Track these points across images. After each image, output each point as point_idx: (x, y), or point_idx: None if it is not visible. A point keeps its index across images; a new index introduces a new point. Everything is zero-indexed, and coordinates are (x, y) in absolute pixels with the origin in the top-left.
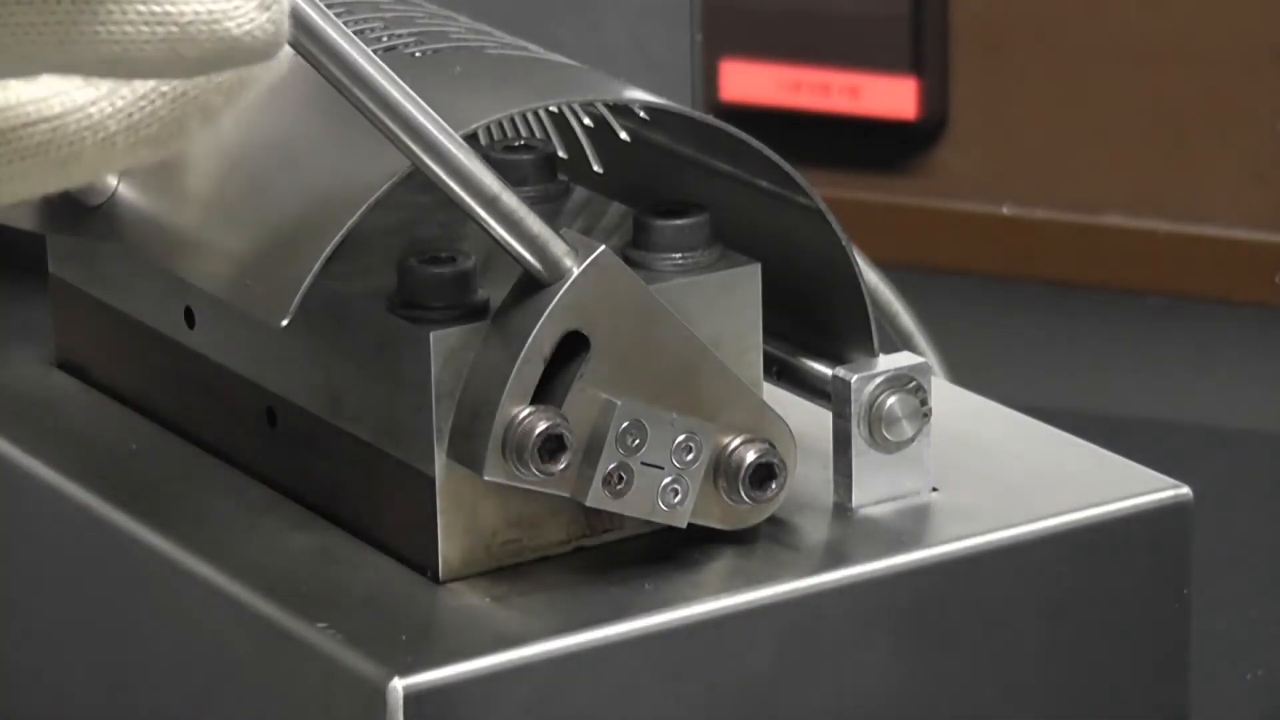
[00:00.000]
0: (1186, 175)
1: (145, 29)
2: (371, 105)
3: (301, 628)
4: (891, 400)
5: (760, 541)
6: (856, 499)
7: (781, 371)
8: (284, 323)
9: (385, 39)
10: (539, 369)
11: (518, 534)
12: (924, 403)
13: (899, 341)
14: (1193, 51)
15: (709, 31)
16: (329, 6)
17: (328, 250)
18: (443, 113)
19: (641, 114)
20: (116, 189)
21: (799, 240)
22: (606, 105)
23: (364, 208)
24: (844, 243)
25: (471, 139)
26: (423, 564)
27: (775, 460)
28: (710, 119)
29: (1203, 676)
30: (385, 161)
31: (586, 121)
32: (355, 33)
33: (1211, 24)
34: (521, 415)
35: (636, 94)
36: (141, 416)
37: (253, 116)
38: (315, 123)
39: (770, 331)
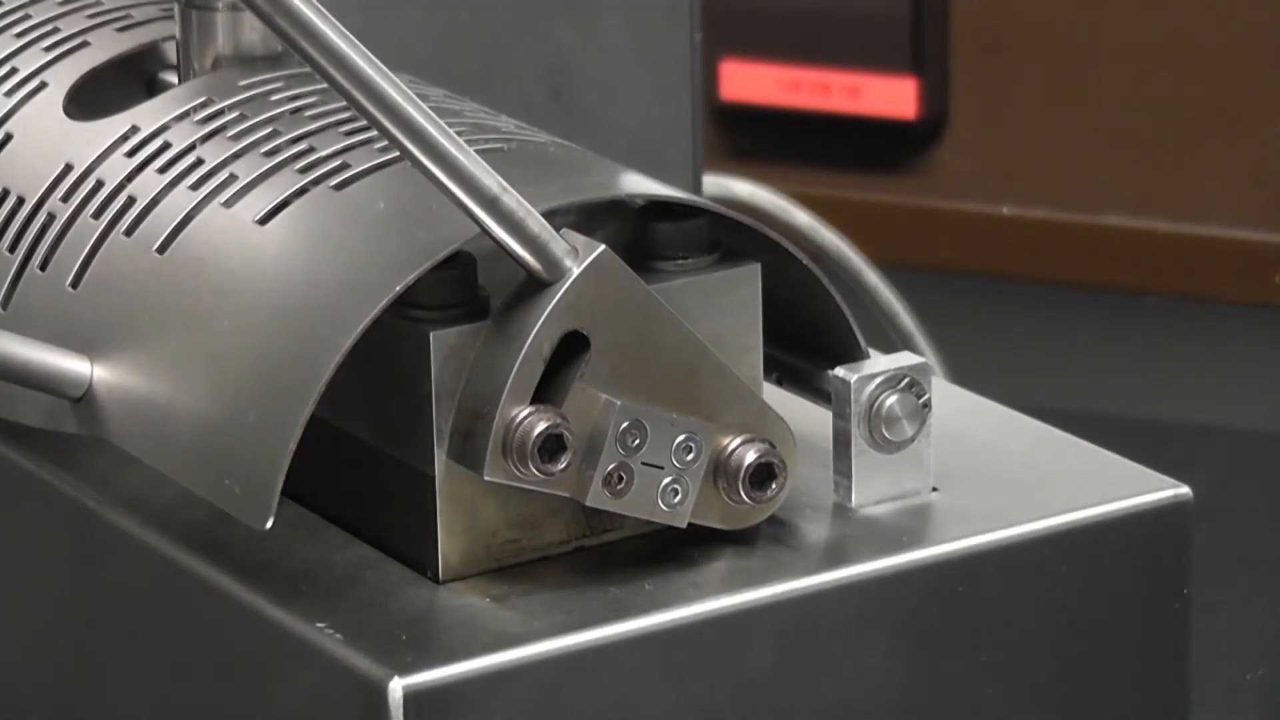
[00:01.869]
0: (1186, 175)
1: None
2: (371, 108)
3: (301, 628)
4: (891, 400)
5: (760, 541)
6: (856, 499)
7: (782, 375)
8: (268, 525)
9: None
10: (539, 369)
11: (518, 534)
12: (924, 402)
13: (899, 341)
14: (1193, 51)
15: (709, 31)
16: None
17: (291, 445)
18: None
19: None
20: (92, 381)
21: (780, 274)
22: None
23: (316, 392)
24: (808, 264)
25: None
26: (423, 564)
27: (775, 460)
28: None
29: (1203, 676)
30: (327, 347)
31: None
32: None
33: (1211, 24)
34: (521, 415)
35: (629, 188)
36: None
37: (208, 323)
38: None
39: (770, 333)
